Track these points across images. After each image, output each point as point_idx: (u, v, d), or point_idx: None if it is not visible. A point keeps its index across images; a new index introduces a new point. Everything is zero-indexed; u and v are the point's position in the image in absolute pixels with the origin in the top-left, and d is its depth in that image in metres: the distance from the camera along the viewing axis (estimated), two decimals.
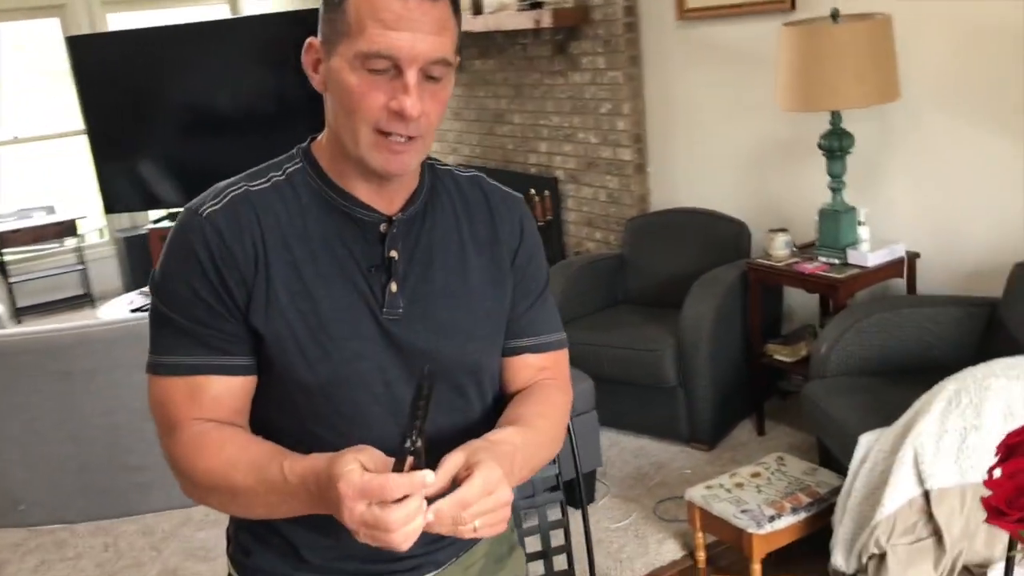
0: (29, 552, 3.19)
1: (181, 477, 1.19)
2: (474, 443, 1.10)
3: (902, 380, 2.90)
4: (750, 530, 2.59)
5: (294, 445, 1.22)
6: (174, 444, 1.18)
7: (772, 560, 2.65)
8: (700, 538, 2.82)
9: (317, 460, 1.07)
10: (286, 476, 1.08)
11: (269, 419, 1.23)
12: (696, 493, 2.77)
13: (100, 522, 3.32)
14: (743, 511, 2.65)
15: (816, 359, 3.06)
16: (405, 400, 1.21)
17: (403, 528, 0.99)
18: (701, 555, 2.84)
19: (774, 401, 3.83)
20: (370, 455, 1.04)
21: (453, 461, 1.06)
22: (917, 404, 2.46)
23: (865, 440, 2.54)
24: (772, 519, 2.62)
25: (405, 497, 0.99)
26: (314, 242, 1.20)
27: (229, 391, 1.19)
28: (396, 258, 1.21)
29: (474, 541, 1.33)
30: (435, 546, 1.29)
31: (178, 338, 1.19)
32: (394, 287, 1.21)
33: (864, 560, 2.43)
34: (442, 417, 1.24)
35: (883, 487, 2.40)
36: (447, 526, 1.03)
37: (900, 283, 3.41)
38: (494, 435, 1.14)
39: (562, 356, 1.36)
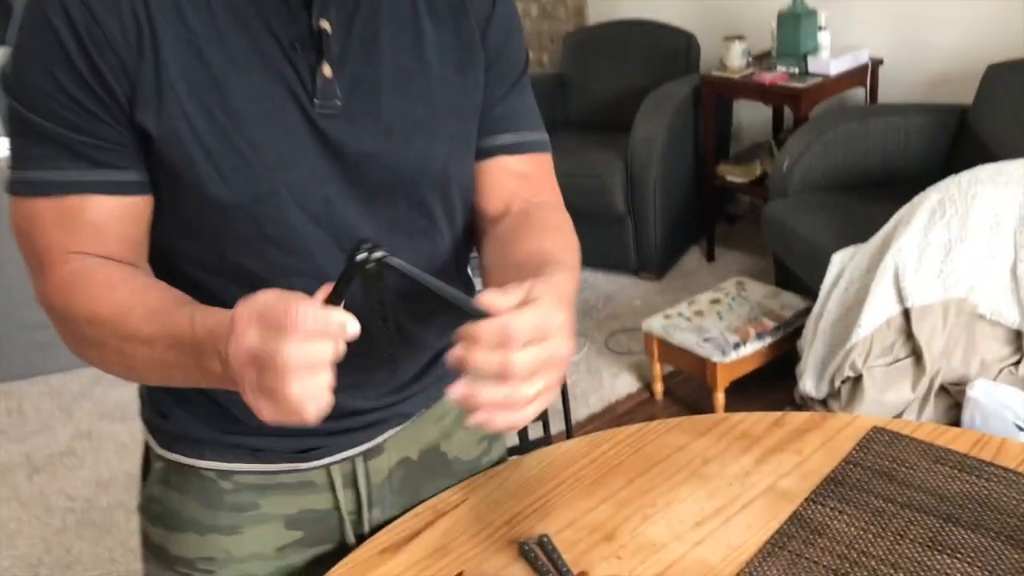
0: None
1: (58, 326, 0.90)
2: (538, 279, 0.84)
3: (870, 195, 2.72)
4: (714, 359, 2.44)
5: (211, 278, 0.94)
6: (45, 284, 0.89)
7: (734, 389, 2.51)
8: (658, 369, 2.67)
9: (227, 312, 0.80)
10: (194, 326, 0.81)
11: (178, 248, 0.94)
12: (654, 323, 2.59)
13: (0, 385, 3.02)
14: (705, 339, 2.49)
15: (776, 177, 2.85)
16: (351, 223, 0.93)
17: (302, 377, 0.72)
18: (659, 387, 2.70)
19: (721, 226, 3.66)
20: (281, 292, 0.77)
21: (509, 296, 0.79)
22: (896, 217, 2.28)
23: (838, 258, 2.37)
24: (737, 346, 2.46)
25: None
26: (217, 13, 0.87)
27: (114, 216, 0.89)
28: (328, 31, 0.90)
29: (442, 389, 1.09)
30: (399, 395, 1.05)
31: (43, 148, 0.87)
32: (327, 71, 0.90)
33: (836, 384, 2.30)
34: (402, 245, 0.97)
35: (859, 307, 2.25)
36: (489, 398, 0.77)
37: (861, 93, 3.19)
38: (549, 279, 0.87)
39: (546, 162, 1.08)
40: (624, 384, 2.78)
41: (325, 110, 0.90)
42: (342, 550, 1.05)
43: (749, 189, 3.35)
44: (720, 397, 2.49)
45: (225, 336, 0.76)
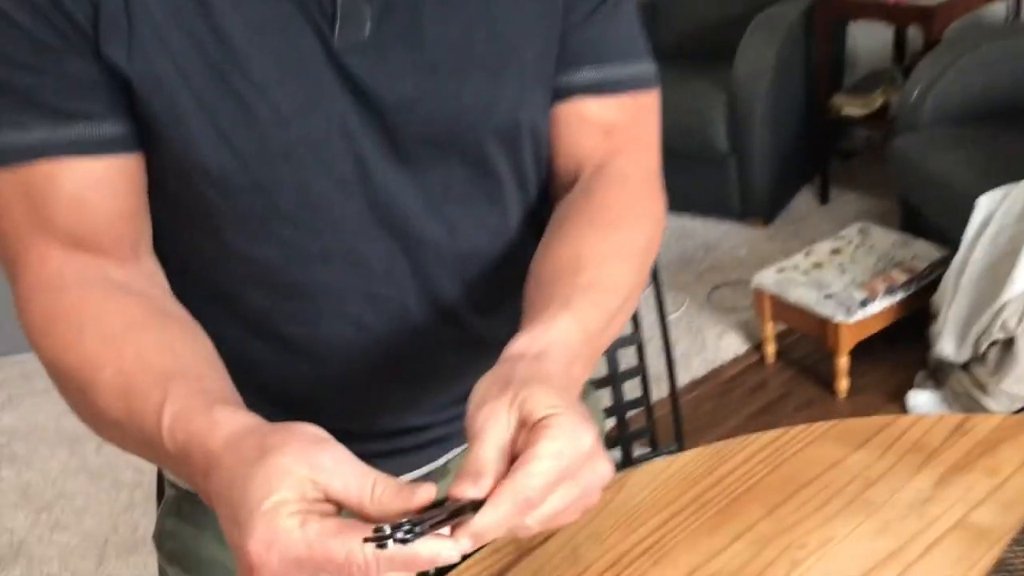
0: None
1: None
2: (515, 371, 0.59)
3: (1016, 126, 2.36)
4: (838, 319, 2.14)
5: (212, 271, 0.72)
6: (19, 288, 0.68)
7: (857, 351, 2.22)
8: (769, 329, 2.38)
9: (218, 431, 0.57)
10: (163, 435, 0.59)
11: (165, 232, 0.72)
12: (767, 278, 2.30)
13: None
14: (827, 296, 2.19)
15: (905, 108, 2.50)
16: (390, 190, 0.69)
17: None
18: (770, 349, 2.41)
19: (835, 165, 3.30)
20: (330, 458, 0.54)
21: (492, 436, 0.56)
22: None
23: (985, 202, 2.03)
24: (863, 304, 2.16)
25: None
26: None
27: (96, 184, 0.66)
28: None
29: None
30: (464, 407, 0.82)
31: None
32: None
33: (983, 348, 1.99)
34: (459, 218, 0.73)
35: (1012, 258, 1.92)
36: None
37: (1001, 8, 2.79)
38: (541, 338, 0.62)
39: (645, 107, 0.79)
40: (730, 345, 2.51)
41: (350, 41, 0.65)
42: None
43: (868, 123, 2.99)
44: (843, 362, 2.20)
45: (210, 474, 0.56)
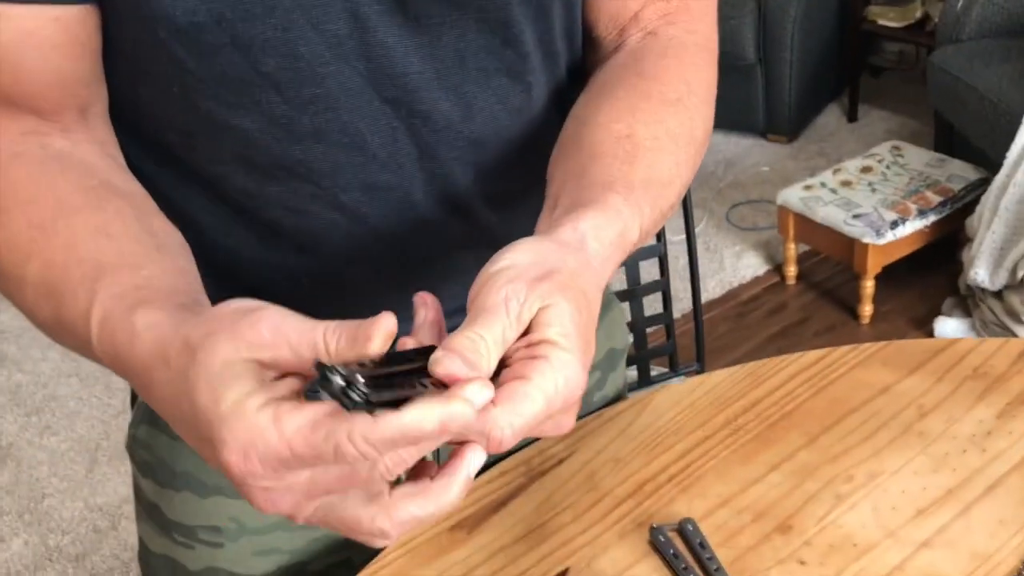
0: None
1: None
2: (559, 259, 0.49)
3: None
4: (866, 240, 2.03)
5: (188, 147, 0.62)
6: None
7: (883, 275, 2.11)
8: (792, 250, 2.27)
9: (140, 344, 0.47)
10: (95, 347, 0.50)
11: (137, 105, 0.61)
12: (792, 195, 2.18)
13: None
14: (855, 216, 2.07)
15: (948, 19, 2.34)
16: (394, 56, 0.58)
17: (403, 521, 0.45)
18: (791, 270, 2.31)
19: (864, 81, 3.14)
20: (267, 327, 0.44)
21: (502, 318, 0.46)
22: None
23: None
24: (894, 225, 2.04)
25: None
26: None
27: (35, 39, 0.55)
28: None
29: None
30: None
31: None
32: None
33: (1020, 275, 1.88)
34: (475, 92, 0.62)
35: None
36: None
37: None
38: (597, 226, 0.52)
39: None
40: (749, 265, 2.40)
41: None
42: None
43: (904, 35, 2.83)
44: (868, 285, 2.09)
45: (159, 411, 0.47)
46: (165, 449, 0.74)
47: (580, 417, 0.79)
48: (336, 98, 0.58)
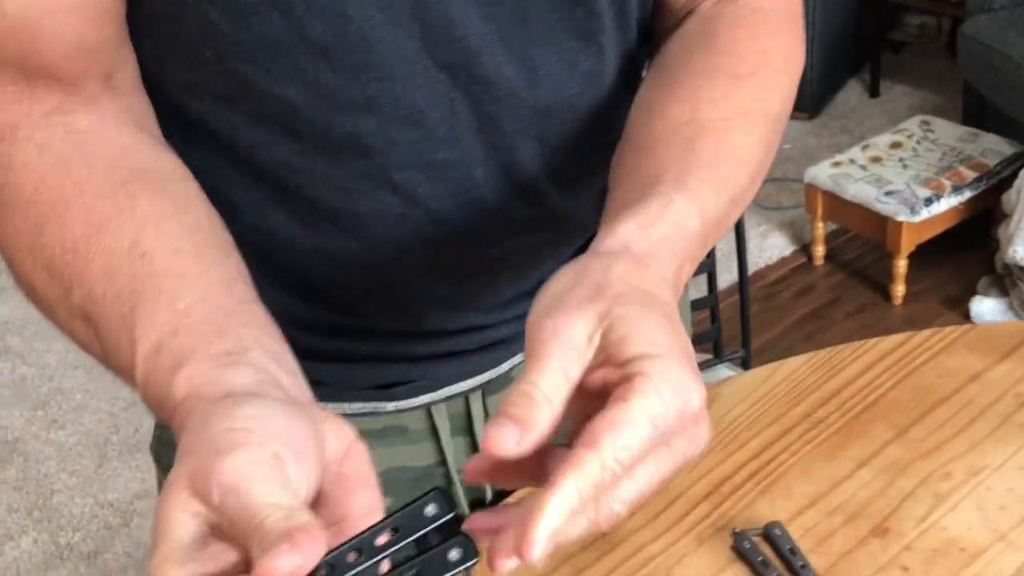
0: None
1: None
2: (611, 273, 0.42)
3: None
4: (900, 217, 1.96)
5: (227, 123, 0.55)
6: None
7: (916, 254, 2.04)
8: (820, 229, 2.20)
9: (190, 381, 0.41)
10: (140, 393, 0.44)
11: (168, 71, 0.54)
12: (820, 173, 2.11)
13: None
14: (887, 193, 2.00)
15: None
16: (452, 17, 0.51)
17: None
18: (819, 250, 2.24)
19: (884, 56, 3.06)
20: (229, 494, 0.35)
21: (560, 357, 0.39)
22: None
23: None
24: (928, 202, 1.97)
25: None
26: None
27: (55, 2, 0.48)
28: None
29: None
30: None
31: None
32: None
33: None
34: (542, 58, 0.55)
35: None
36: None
37: None
38: (652, 228, 0.45)
39: None
40: (775, 246, 2.33)
41: None
42: (451, 526, 0.68)
43: (930, 6, 2.75)
44: (901, 265, 2.03)
45: (178, 428, 0.40)
46: None
47: None
48: (388, 66, 0.51)
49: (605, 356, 0.39)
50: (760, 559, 0.61)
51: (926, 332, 0.78)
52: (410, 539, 0.36)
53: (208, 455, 0.35)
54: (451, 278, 0.61)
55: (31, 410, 2.10)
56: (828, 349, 0.78)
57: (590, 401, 0.38)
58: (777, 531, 0.62)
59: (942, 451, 0.68)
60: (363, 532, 0.35)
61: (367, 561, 0.35)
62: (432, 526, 0.36)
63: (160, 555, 0.34)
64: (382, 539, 0.35)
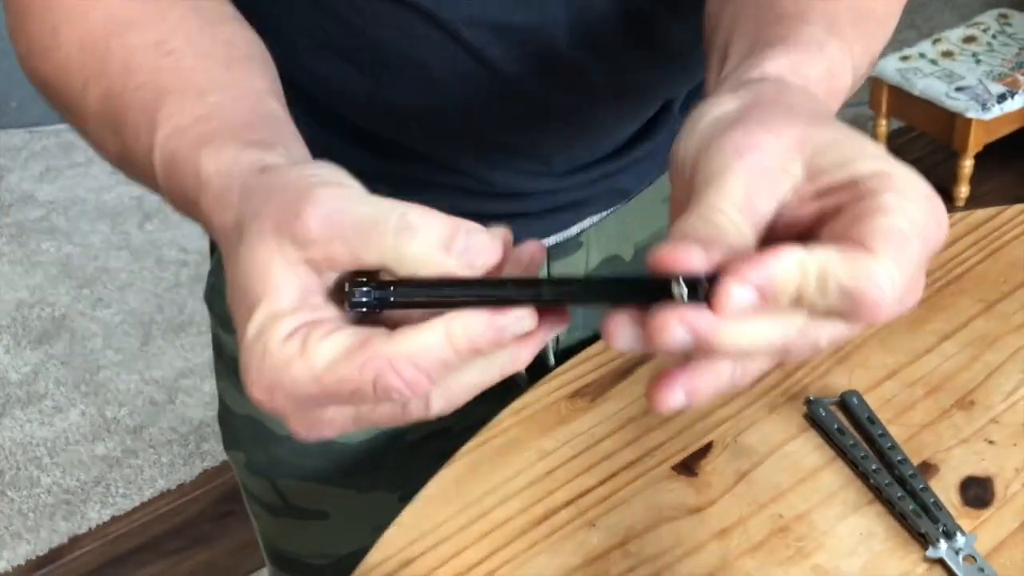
0: (32, 157, 2.66)
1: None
2: (788, 95, 0.35)
3: None
4: (970, 114, 1.87)
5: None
6: None
7: (983, 155, 1.96)
8: (883, 127, 2.11)
9: (204, 197, 0.37)
10: (159, 178, 0.40)
11: None
12: (887, 67, 2.01)
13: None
14: (958, 89, 1.91)
15: None
16: None
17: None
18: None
19: None
20: (332, 223, 0.32)
21: (744, 180, 0.32)
22: None
23: None
24: (1002, 99, 1.88)
25: None
26: None
27: None
28: None
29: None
30: (606, 167, 0.61)
31: None
32: None
33: None
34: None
35: None
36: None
37: None
38: (807, 66, 0.37)
39: None
40: None
41: None
42: (505, 386, 0.66)
43: None
44: (967, 165, 1.94)
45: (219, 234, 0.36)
46: None
47: None
48: None
49: (818, 188, 0.31)
50: (836, 427, 0.58)
51: (1017, 207, 0.73)
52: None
53: (292, 196, 0.31)
54: (523, 142, 0.57)
55: (77, 288, 2.12)
56: None
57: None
58: (854, 400, 0.59)
59: None
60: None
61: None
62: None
63: (264, 311, 0.31)
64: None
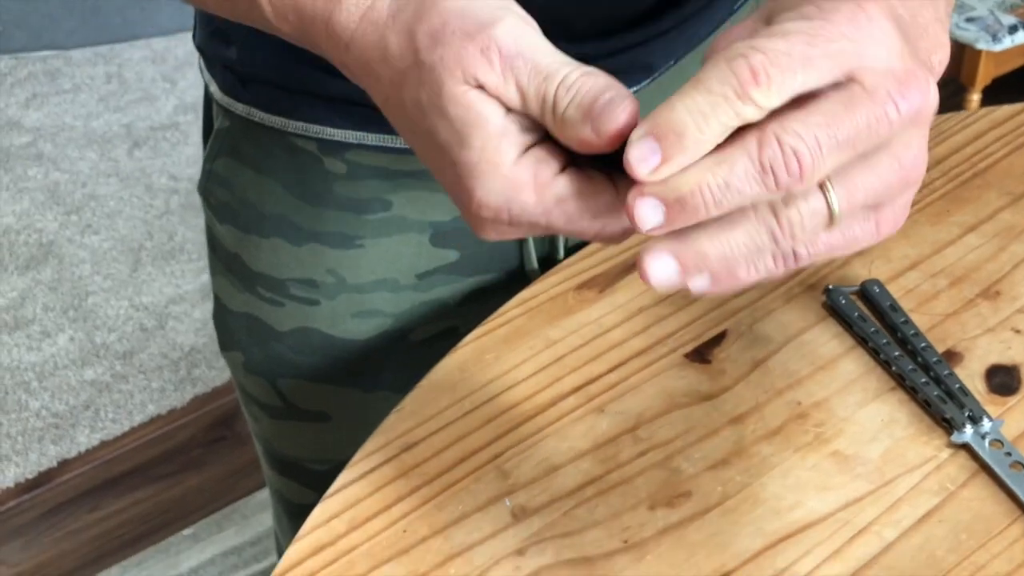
0: (18, 83, 2.59)
1: None
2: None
3: None
4: (980, 45, 1.83)
5: None
6: None
7: (992, 89, 1.92)
8: None
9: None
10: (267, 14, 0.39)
11: None
12: None
13: (98, 48, 2.67)
14: (969, 20, 1.86)
15: None
16: None
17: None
18: None
19: None
20: (514, 59, 0.34)
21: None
22: None
23: None
24: (1013, 30, 1.84)
25: None
26: None
27: None
28: None
29: (707, 27, 0.62)
30: (632, 36, 0.58)
31: None
32: None
33: None
34: None
35: None
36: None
37: None
38: None
39: None
40: None
41: None
42: (517, 281, 0.64)
43: None
44: (975, 100, 1.91)
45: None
46: (251, 187, 0.62)
47: None
48: None
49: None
50: (856, 314, 0.55)
51: None
52: None
53: (473, 29, 0.32)
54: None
55: (64, 215, 2.07)
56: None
57: None
58: (875, 288, 0.57)
59: None
60: None
61: None
62: None
63: (485, 135, 0.33)
64: None
